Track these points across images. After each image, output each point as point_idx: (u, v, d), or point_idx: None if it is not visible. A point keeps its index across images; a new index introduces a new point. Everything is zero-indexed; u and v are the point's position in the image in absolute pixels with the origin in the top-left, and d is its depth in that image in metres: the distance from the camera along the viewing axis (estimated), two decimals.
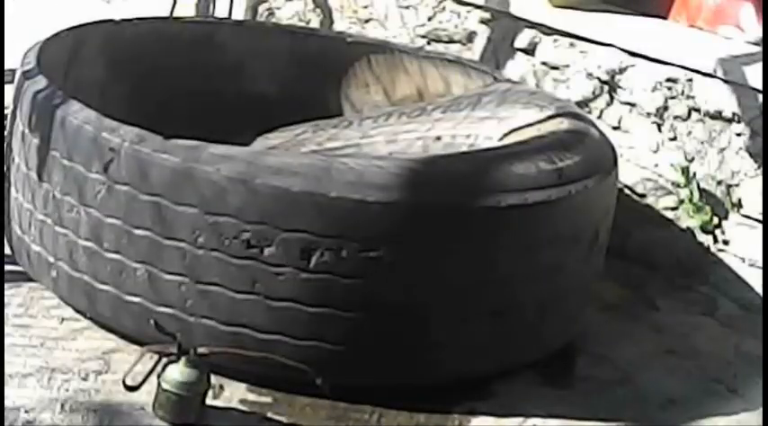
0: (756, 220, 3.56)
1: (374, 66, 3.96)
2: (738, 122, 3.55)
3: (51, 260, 3.01)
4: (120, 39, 3.73)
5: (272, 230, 2.73)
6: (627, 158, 3.80)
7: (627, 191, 3.80)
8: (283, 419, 2.78)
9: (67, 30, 3.56)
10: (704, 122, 3.65)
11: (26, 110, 3.11)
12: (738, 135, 3.57)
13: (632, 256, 3.77)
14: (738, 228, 3.61)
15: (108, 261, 2.88)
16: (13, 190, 3.17)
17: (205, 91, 3.81)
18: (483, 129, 3.48)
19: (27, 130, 3.09)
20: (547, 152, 3.00)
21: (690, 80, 3.66)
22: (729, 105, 3.56)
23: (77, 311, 3.04)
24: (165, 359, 2.69)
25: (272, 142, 3.72)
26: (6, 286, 3.12)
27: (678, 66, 3.68)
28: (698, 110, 3.66)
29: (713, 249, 3.67)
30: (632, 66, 3.80)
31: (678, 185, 3.71)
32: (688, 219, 3.70)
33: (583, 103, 3.90)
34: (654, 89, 3.74)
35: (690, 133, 3.69)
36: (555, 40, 4.02)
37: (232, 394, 2.83)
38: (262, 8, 4.99)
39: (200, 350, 2.69)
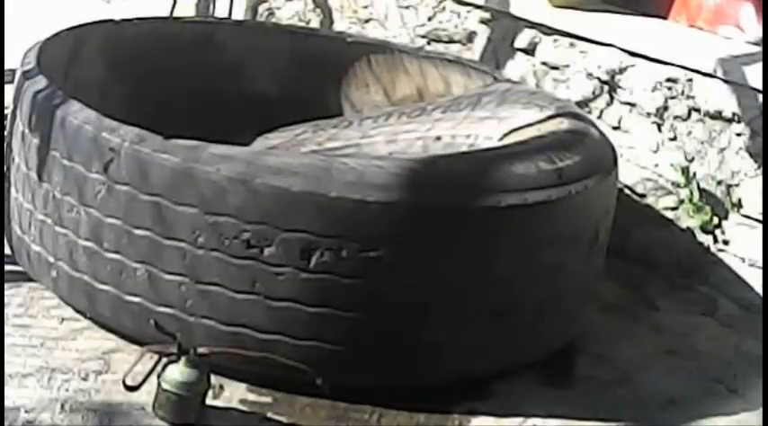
0: (756, 220, 3.56)
1: (374, 66, 3.96)
2: (738, 122, 3.55)
3: (51, 260, 3.01)
4: (120, 39, 3.73)
5: (272, 230, 2.73)
6: (627, 158, 3.80)
7: (627, 191, 3.80)
8: (283, 419, 2.78)
9: (67, 30, 3.56)
10: (704, 122, 3.65)
11: (26, 110, 3.11)
12: (738, 135, 3.57)
13: (632, 256, 3.77)
14: (738, 228, 3.61)
15: (108, 261, 2.88)
16: (13, 190, 3.17)
17: (205, 91, 3.81)
18: (483, 129, 3.48)
19: (27, 130, 3.09)
20: (547, 152, 3.00)
21: (690, 80, 3.66)
22: (729, 105, 3.56)
23: (77, 311, 3.04)
24: (165, 359, 2.69)
25: (272, 142, 3.72)
26: (6, 286, 3.12)
27: (678, 66, 3.68)
28: (698, 110, 3.66)
29: (713, 249, 3.67)
30: (632, 66, 3.80)
31: (678, 185, 3.71)
32: (688, 219, 3.70)
33: (583, 103, 3.90)
34: (654, 89, 3.74)
35: (690, 133, 3.69)
36: (555, 40, 4.02)
37: (232, 394, 2.83)
38: (262, 8, 4.99)
39: (200, 350, 2.69)
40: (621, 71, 3.83)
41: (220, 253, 2.75)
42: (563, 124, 3.27)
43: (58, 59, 3.40)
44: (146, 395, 2.68)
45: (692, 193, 3.66)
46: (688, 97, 3.67)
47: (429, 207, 2.80)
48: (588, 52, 3.92)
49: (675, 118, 3.72)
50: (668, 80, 3.70)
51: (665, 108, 3.73)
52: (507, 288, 2.90)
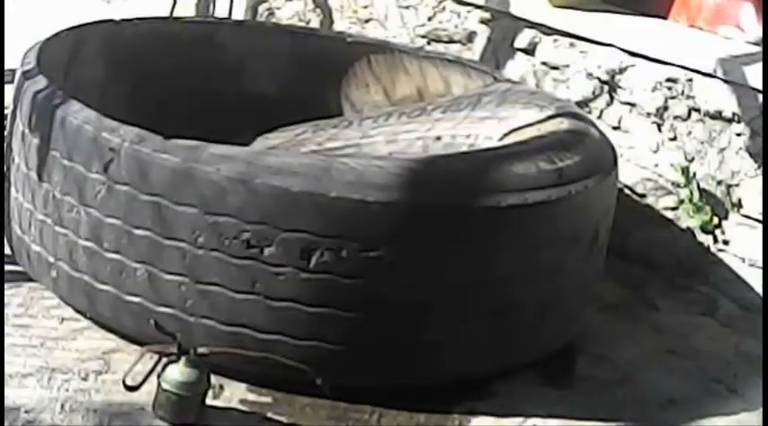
0: (756, 220, 3.56)
1: (374, 66, 3.96)
2: (738, 122, 3.55)
3: (51, 260, 3.01)
4: (120, 39, 3.73)
5: (272, 230, 2.73)
6: (627, 158, 3.80)
7: (627, 191, 3.80)
8: (283, 419, 2.78)
9: (67, 30, 3.56)
10: (704, 122, 3.65)
11: (26, 110, 3.11)
12: (738, 135, 3.57)
13: (632, 256, 3.77)
14: (738, 228, 3.61)
15: (108, 261, 2.88)
16: (13, 190, 3.17)
17: (205, 91, 3.81)
18: (483, 129, 3.48)
19: (27, 130, 3.09)
20: (547, 152, 3.00)
21: (690, 80, 3.66)
22: (729, 105, 3.56)
23: (77, 311, 3.04)
24: (165, 359, 2.69)
25: (272, 142, 3.72)
26: (6, 286, 3.12)
27: (678, 66, 3.68)
28: (698, 110, 3.66)
29: (713, 249, 3.67)
30: (632, 66, 3.80)
31: (678, 185, 3.71)
32: (688, 219, 3.70)
33: (583, 103, 3.90)
34: (654, 89, 3.74)
35: (690, 133, 3.69)
36: (555, 40, 4.02)
37: (232, 394, 2.83)
38: (262, 8, 4.99)
39: (201, 350, 2.69)
40: (621, 71, 3.83)
41: (220, 253, 2.75)
42: (563, 124, 3.27)
43: (58, 59, 3.40)
44: (146, 395, 2.67)
45: (691, 193, 3.66)
46: (688, 97, 3.67)
47: (429, 207, 2.80)
48: (588, 52, 3.92)
49: (675, 118, 3.72)
50: (668, 80, 3.70)
51: (665, 108, 3.73)
52: (507, 288, 2.90)
